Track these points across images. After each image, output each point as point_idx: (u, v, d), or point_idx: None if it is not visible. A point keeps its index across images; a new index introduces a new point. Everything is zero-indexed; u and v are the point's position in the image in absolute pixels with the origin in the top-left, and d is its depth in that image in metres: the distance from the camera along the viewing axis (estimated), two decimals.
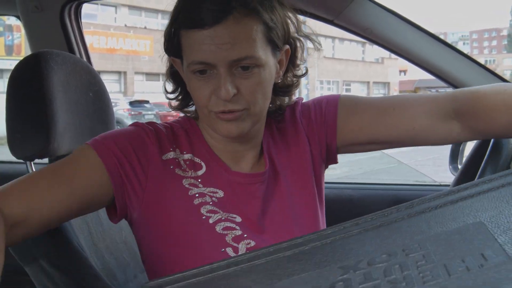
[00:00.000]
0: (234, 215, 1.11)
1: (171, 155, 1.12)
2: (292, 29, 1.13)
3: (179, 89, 1.19)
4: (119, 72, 26.07)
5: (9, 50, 22.51)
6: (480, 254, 0.52)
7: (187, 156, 1.14)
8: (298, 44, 1.16)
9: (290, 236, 1.00)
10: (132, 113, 18.41)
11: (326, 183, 1.51)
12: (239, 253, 1.06)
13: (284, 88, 1.19)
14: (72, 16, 1.84)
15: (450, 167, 1.81)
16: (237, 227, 1.09)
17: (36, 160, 1.35)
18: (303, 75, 1.21)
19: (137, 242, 1.16)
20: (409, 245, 0.58)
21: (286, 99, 1.22)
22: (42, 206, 0.99)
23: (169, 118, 14.50)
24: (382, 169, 8.88)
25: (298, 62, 1.19)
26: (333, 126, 1.21)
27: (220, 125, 1.07)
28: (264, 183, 1.16)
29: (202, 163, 1.15)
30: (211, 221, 1.09)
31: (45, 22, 1.83)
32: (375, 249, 0.60)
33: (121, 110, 18.03)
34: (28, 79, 1.26)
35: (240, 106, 1.04)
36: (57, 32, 1.81)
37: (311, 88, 27.94)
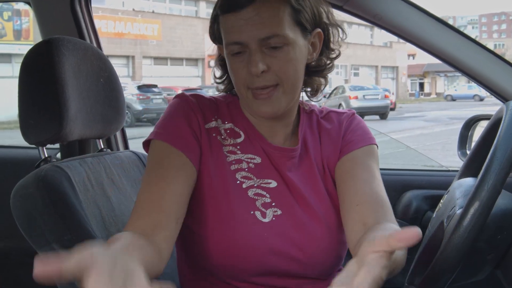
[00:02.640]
0: (269, 180, 1.20)
1: (213, 124, 1.22)
2: (324, 16, 1.20)
3: (225, 75, 1.28)
4: (127, 57, 26.05)
5: (18, 34, 22.54)
6: None
7: (228, 125, 1.24)
8: (331, 29, 1.22)
9: (312, 212, 1.19)
10: (141, 97, 18.38)
11: None
12: (266, 218, 1.16)
13: (316, 68, 1.25)
14: (83, 2, 1.85)
15: (459, 152, 1.82)
16: (267, 195, 1.19)
17: (48, 146, 1.37)
18: (336, 57, 1.27)
19: None
20: None
21: (323, 81, 1.28)
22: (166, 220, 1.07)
23: None
24: (391, 153, 8.89)
25: (332, 46, 1.25)
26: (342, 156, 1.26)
27: (256, 105, 1.16)
28: (296, 158, 1.24)
29: (241, 132, 1.24)
30: (244, 186, 1.18)
31: (56, 8, 1.83)
32: None
33: (130, 94, 17.98)
34: (40, 65, 1.27)
35: (271, 82, 1.13)
36: (68, 18, 1.81)
37: None
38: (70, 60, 1.30)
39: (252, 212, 1.16)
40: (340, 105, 20.03)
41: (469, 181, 1.28)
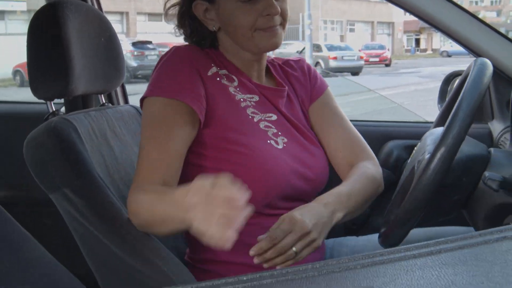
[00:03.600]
0: (271, 114, 1.38)
1: (214, 69, 1.36)
2: None
3: (199, 35, 1.40)
4: (121, 13, 25.84)
5: None
6: None
7: (223, 71, 1.38)
8: None
9: (308, 138, 1.42)
10: (135, 53, 18.32)
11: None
12: (279, 145, 1.34)
13: None
14: None
15: (439, 105, 1.94)
16: (273, 126, 1.37)
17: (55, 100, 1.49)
18: None
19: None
20: None
21: None
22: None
23: None
24: (383, 109, 9.02)
25: None
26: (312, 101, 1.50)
27: (265, 39, 1.34)
28: (285, 98, 1.44)
29: (234, 77, 1.39)
30: (255, 119, 1.36)
31: None
32: None
33: (124, 51, 17.89)
34: (46, 26, 1.38)
35: (278, 21, 1.34)
36: None
37: (314, 28, 27.65)
38: (73, 21, 1.41)
39: (268, 142, 1.33)
40: (317, 63, 21.06)
41: (439, 130, 1.40)
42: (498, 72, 1.74)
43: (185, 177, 1.26)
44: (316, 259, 1.34)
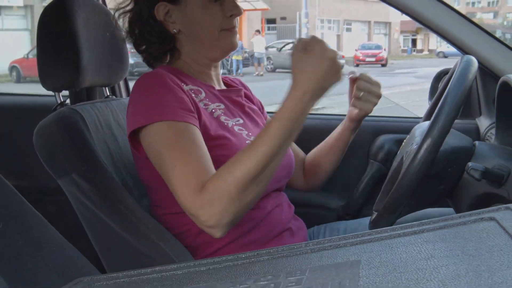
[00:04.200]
0: (238, 118, 1.46)
1: (185, 87, 1.37)
2: None
3: (159, 42, 1.45)
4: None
5: None
6: (338, 282, 0.65)
7: (188, 87, 1.39)
8: None
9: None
10: (132, 50, 18.17)
11: (316, 114, 1.80)
12: None
13: None
14: None
15: (429, 102, 2.01)
16: (243, 128, 1.44)
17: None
18: None
19: None
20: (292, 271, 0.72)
21: None
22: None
23: None
24: (380, 108, 9.16)
25: None
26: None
27: (229, 39, 1.42)
28: (242, 96, 1.55)
29: (200, 89, 1.42)
30: (229, 124, 1.41)
31: None
32: (264, 271, 0.74)
33: None
34: (55, 21, 1.46)
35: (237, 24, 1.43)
36: None
37: (311, 27, 27.72)
38: (81, 16, 1.48)
39: (247, 142, 1.39)
40: None
41: (426, 124, 1.47)
42: (485, 70, 1.82)
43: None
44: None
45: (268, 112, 1.70)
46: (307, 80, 1.15)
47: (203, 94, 1.42)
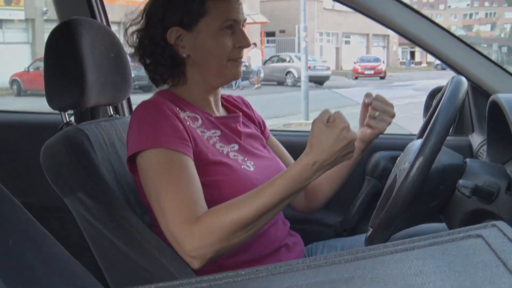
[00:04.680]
0: (233, 145, 1.50)
1: (181, 115, 1.43)
2: None
3: (171, 65, 1.50)
4: (118, 23, 25.84)
5: (8, 0, 22.38)
6: None
7: (185, 114, 1.45)
8: None
9: (266, 156, 1.57)
10: (132, 64, 18.28)
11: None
12: (250, 168, 1.47)
13: None
14: None
15: (424, 118, 2.06)
16: (238, 154, 1.49)
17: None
18: None
19: None
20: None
21: None
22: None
23: None
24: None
25: None
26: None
27: (234, 69, 1.48)
28: (240, 122, 1.59)
29: (197, 116, 1.47)
30: (224, 151, 1.46)
31: None
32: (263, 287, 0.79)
33: None
34: (63, 43, 1.52)
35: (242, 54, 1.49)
36: (81, 0, 2.05)
37: (310, 40, 27.82)
38: (86, 38, 1.53)
39: (242, 167, 1.44)
40: (288, 72, 23.19)
41: (419, 142, 1.52)
42: (477, 88, 1.88)
43: None
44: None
45: (271, 130, 1.76)
46: (321, 151, 1.22)
47: (200, 121, 1.47)
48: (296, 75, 22.57)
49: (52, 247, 1.05)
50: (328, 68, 24.72)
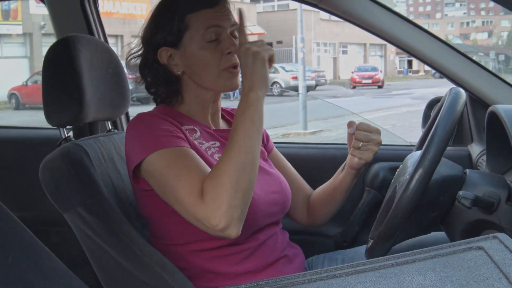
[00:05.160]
0: None
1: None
2: None
3: (170, 86, 1.52)
4: (116, 36, 26.01)
5: (6, 15, 22.47)
6: None
7: (185, 127, 1.47)
8: None
9: (269, 171, 1.56)
10: (130, 76, 18.33)
11: (313, 143, 1.88)
12: None
13: None
14: (91, 1, 2.09)
15: (422, 129, 2.06)
16: None
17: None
18: None
19: None
20: None
21: None
22: None
23: None
24: (384, 129, 9.22)
25: None
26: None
27: (229, 80, 1.46)
28: None
29: (195, 128, 1.49)
30: None
31: (68, 7, 2.08)
32: None
33: None
34: (60, 60, 1.52)
35: (237, 61, 1.44)
36: (79, 16, 2.07)
37: (307, 50, 27.92)
38: (84, 55, 1.54)
39: None
40: (275, 82, 23.47)
41: (418, 153, 1.52)
42: (475, 98, 1.88)
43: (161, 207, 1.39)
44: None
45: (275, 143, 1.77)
46: (245, 77, 1.34)
47: (198, 133, 1.49)
48: (282, 85, 23.33)
49: (52, 263, 1.04)
50: (312, 78, 25.34)
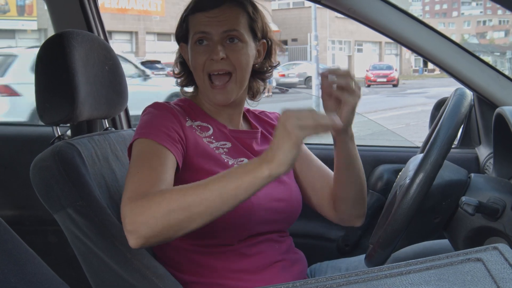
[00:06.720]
0: (242, 158, 1.48)
1: (188, 123, 1.45)
2: (269, 31, 1.52)
3: (183, 72, 1.57)
4: (130, 32, 26.10)
5: (21, 10, 22.63)
6: None
7: (197, 123, 1.47)
8: (273, 44, 1.54)
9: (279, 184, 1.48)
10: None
11: (319, 144, 1.83)
12: None
13: (259, 71, 1.54)
14: None
15: (430, 130, 2.01)
16: None
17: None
18: (275, 66, 1.58)
19: None
20: None
21: (262, 84, 1.59)
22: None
23: None
24: (371, 133, 9.14)
25: (273, 58, 1.56)
26: None
27: (212, 95, 1.44)
28: (258, 138, 1.55)
29: (209, 126, 1.48)
30: (229, 163, 1.45)
31: (67, 2, 2.04)
32: None
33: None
34: (54, 56, 1.48)
35: (227, 67, 1.41)
36: (77, 11, 2.03)
37: (321, 48, 27.84)
38: (79, 51, 1.50)
39: None
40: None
41: (420, 157, 1.47)
42: (483, 99, 1.82)
43: None
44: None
45: None
46: (278, 165, 1.12)
47: (211, 131, 1.48)
48: (274, 82, 23.83)
49: (37, 266, 1.02)
50: (296, 75, 26.35)
